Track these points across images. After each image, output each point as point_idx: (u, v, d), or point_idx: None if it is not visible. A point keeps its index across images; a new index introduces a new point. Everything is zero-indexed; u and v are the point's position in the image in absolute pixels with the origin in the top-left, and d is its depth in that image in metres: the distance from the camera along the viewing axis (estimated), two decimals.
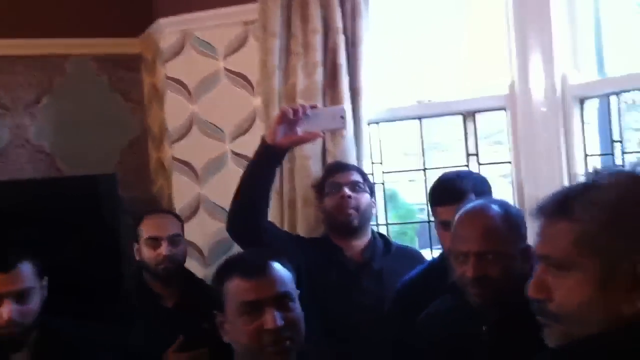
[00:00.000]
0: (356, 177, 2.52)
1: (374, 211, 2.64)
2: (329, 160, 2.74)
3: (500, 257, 1.68)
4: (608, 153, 2.54)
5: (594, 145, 2.59)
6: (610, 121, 2.51)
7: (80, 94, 3.48)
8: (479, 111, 2.84)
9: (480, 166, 2.83)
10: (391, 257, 2.52)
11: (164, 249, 2.50)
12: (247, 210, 2.27)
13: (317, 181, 2.66)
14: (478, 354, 1.70)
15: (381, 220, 3.04)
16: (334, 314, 2.36)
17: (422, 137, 2.97)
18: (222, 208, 3.03)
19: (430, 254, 2.90)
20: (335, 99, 2.75)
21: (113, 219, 3.23)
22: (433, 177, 2.96)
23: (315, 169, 2.76)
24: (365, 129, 2.80)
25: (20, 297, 2.02)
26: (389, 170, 3.06)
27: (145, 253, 2.53)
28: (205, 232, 3.14)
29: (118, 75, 3.55)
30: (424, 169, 2.98)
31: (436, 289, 1.97)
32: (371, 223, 2.63)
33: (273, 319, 1.61)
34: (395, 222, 3.65)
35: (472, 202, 1.79)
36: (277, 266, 1.70)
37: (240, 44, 3.15)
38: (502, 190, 2.85)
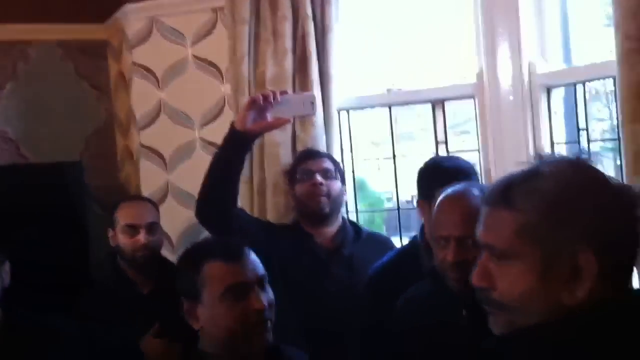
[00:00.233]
0: (328, 164, 2.53)
1: (344, 198, 2.65)
2: (299, 147, 2.74)
3: None
4: (574, 141, 2.59)
5: (560, 133, 2.64)
6: (576, 110, 2.55)
7: (45, 80, 3.42)
8: (448, 99, 2.87)
9: (449, 154, 2.85)
10: (361, 243, 2.53)
11: (142, 237, 2.47)
12: (216, 196, 2.26)
13: (288, 168, 2.66)
14: (458, 339, 1.70)
15: (351, 208, 3.05)
16: (305, 300, 2.36)
17: (391, 125, 2.99)
18: (191, 195, 3.00)
19: (399, 241, 2.92)
20: (305, 86, 2.75)
21: (79, 207, 3.19)
22: (403, 165, 2.99)
23: (285, 156, 2.75)
24: (335, 117, 2.80)
25: None
26: (358, 158, 3.07)
27: (122, 240, 2.50)
28: (174, 219, 3.12)
29: (84, 62, 3.50)
30: (393, 157, 2.99)
31: (408, 274, 1.98)
32: (341, 210, 2.64)
33: (260, 299, 1.65)
34: (365, 209, 3.67)
35: (453, 187, 1.76)
36: (250, 250, 1.73)
37: (209, 30, 3.12)
38: None
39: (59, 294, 2.53)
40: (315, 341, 2.20)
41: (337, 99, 2.80)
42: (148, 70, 3.22)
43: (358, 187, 3.15)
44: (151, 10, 3.18)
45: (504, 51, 2.61)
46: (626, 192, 1.09)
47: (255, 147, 2.68)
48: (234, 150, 2.22)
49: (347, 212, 2.93)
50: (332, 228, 2.52)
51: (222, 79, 3.09)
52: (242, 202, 2.68)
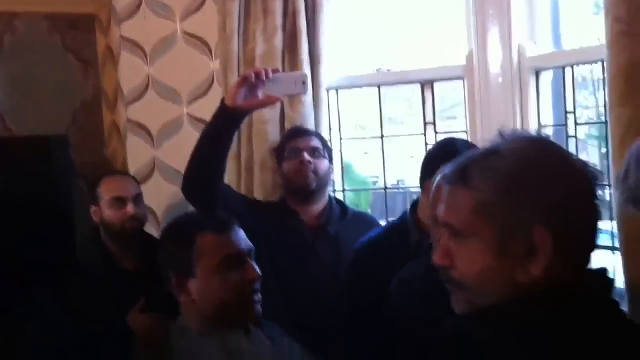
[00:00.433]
0: (316, 142, 2.53)
1: (331, 177, 2.65)
2: (287, 125, 2.73)
3: None
4: (561, 124, 2.60)
5: (548, 116, 2.65)
6: (564, 93, 2.56)
7: (32, 53, 3.37)
8: (437, 80, 2.87)
9: (437, 135, 2.87)
10: (347, 222, 2.54)
11: (130, 208, 2.51)
12: (203, 172, 2.25)
13: (276, 145, 2.65)
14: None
15: (337, 187, 3.05)
16: (289, 277, 2.37)
17: (380, 105, 2.99)
18: (178, 171, 2.99)
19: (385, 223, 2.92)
20: (294, 64, 2.74)
21: (64, 181, 3.16)
22: (389, 149, 2.99)
23: (273, 134, 2.75)
24: (324, 95, 2.79)
25: None
26: (345, 141, 3.06)
27: (109, 213, 2.52)
28: (160, 195, 3.11)
29: (71, 35, 3.44)
30: (382, 137, 2.99)
31: (397, 250, 1.98)
32: (328, 189, 2.64)
33: (255, 269, 1.71)
34: (352, 188, 3.67)
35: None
36: (237, 223, 1.76)
37: (198, 6, 3.09)
38: None
39: (43, 271, 2.51)
40: (299, 317, 2.20)
41: (327, 77, 2.79)
42: (136, 44, 3.19)
43: (344, 170, 3.15)
44: None
45: (494, 33, 2.61)
46: (585, 171, 1.08)
47: (244, 124, 2.66)
48: (224, 127, 2.20)
49: (334, 191, 2.94)
50: (318, 206, 2.53)
51: (212, 55, 3.06)
52: (229, 178, 2.67)
